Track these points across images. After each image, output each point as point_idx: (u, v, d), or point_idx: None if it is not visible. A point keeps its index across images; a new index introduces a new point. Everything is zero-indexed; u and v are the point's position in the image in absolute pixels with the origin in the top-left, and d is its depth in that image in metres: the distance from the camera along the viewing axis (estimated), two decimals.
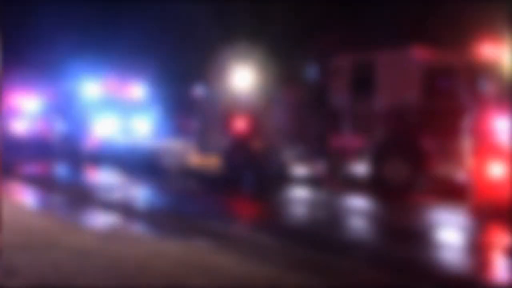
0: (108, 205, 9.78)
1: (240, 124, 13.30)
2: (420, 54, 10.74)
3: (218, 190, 12.24)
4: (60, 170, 16.43)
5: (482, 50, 10.23)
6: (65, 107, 19.19)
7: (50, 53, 22.66)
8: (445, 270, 6.11)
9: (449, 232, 8.39)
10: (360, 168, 11.13)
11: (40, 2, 23.45)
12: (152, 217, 8.85)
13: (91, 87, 18.68)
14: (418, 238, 7.59)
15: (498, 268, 6.52)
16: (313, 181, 12.29)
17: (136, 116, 19.14)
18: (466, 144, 9.34)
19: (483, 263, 6.65)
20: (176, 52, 22.15)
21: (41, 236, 6.97)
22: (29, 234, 7.04)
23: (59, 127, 19.44)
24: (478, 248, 7.36)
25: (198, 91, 14.68)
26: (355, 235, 8.21)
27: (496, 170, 8.60)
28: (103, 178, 15.08)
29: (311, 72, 13.11)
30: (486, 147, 8.82)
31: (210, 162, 14.02)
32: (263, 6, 19.33)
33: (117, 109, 18.64)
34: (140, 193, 11.96)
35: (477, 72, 10.04)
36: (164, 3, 21.93)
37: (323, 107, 11.97)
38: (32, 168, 15.74)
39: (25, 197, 11.47)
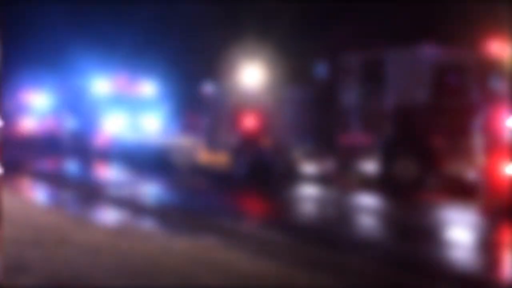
0: (118, 202, 9.82)
1: (249, 122, 13.29)
2: (430, 52, 10.68)
3: (227, 187, 12.24)
4: (70, 166, 16.51)
5: (493, 47, 10.15)
6: (75, 104, 19.27)
7: (60, 50, 22.74)
8: (456, 268, 6.08)
9: (460, 231, 8.35)
10: (370, 166, 11.09)
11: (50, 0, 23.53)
12: (162, 214, 8.87)
13: (101, 84, 18.75)
14: (428, 236, 7.56)
15: (509, 267, 6.48)
16: (322, 179, 12.26)
17: (146, 113, 19.20)
18: (477, 142, 9.28)
19: (493, 262, 6.61)
20: (185, 49, 22.17)
21: (52, 232, 7.00)
22: (39, 230, 7.08)
23: (69, 124, 19.53)
24: (488, 247, 7.32)
25: (208, 88, 14.67)
26: (364, 233, 8.18)
27: (507, 168, 8.54)
28: (112, 174, 15.13)
29: (321, 69, 13.07)
30: (497, 145, 8.76)
31: (219, 159, 14.02)
32: (273, 3, 19.29)
33: (127, 106, 18.71)
34: (149, 190, 11.99)
35: (488, 70, 9.96)
36: (174, 1, 21.95)
37: (333, 105, 11.94)
38: (42, 164, 15.82)
39: (35, 193, 11.54)
